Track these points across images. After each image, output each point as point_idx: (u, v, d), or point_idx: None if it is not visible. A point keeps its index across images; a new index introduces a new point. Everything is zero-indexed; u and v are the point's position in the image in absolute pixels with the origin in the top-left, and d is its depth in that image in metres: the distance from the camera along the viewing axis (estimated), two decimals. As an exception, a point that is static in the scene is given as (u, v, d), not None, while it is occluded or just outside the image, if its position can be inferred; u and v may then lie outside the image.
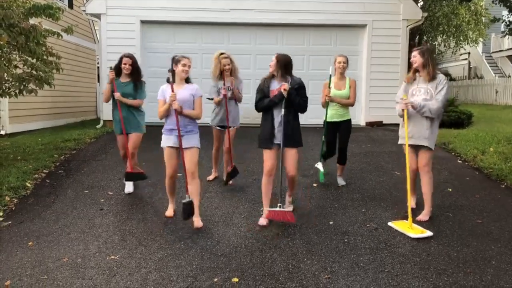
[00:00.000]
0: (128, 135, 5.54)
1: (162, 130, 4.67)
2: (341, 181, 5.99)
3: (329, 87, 5.77)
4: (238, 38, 10.59)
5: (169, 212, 4.87)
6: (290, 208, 4.81)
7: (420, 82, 4.74)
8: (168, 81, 4.59)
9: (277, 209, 4.52)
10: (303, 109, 4.65)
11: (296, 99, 4.57)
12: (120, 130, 5.56)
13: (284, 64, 4.63)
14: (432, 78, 4.65)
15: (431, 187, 4.76)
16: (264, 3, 10.40)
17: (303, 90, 4.65)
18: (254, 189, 5.72)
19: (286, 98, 4.51)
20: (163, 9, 10.35)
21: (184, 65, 4.59)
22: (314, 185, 5.93)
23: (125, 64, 5.46)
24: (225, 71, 5.74)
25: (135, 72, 5.54)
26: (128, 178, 5.59)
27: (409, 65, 5.39)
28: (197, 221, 4.51)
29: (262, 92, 4.65)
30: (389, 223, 4.61)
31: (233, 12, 10.41)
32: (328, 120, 5.87)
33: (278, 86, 4.61)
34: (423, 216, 4.74)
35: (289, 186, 4.89)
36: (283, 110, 4.54)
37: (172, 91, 4.45)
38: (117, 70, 5.50)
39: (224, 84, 5.76)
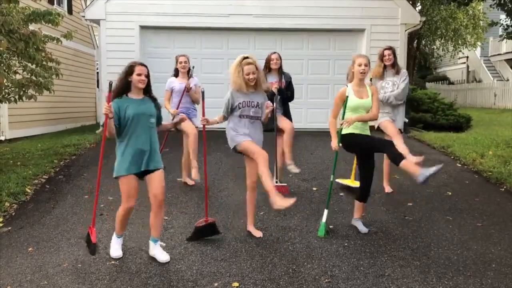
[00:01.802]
0: (147, 176, 3.90)
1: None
2: (362, 227, 4.52)
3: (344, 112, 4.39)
4: (237, 43, 10.62)
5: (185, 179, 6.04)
6: (296, 170, 5.68)
7: (388, 76, 5.62)
8: (175, 75, 5.97)
9: (276, 184, 5.39)
10: (291, 99, 5.89)
11: (285, 93, 5.68)
12: (137, 168, 3.81)
13: (281, 61, 5.74)
14: (398, 73, 5.62)
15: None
16: (263, 8, 10.44)
17: (292, 83, 5.83)
18: (254, 193, 5.72)
19: (278, 94, 5.54)
20: (163, 15, 10.37)
21: (180, 62, 5.87)
22: (314, 189, 5.93)
23: (139, 74, 3.78)
24: (249, 82, 4.21)
25: (150, 87, 3.94)
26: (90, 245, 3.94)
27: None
28: (194, 173, 5.63)
29: None
30: (337, 180, 5.81)
31: (232, 17, 10.44)
32: (343, 132, 4.43)
33: (273, 80, 5.60)
34: (418, 158, 4.77)
35: (286, 143, 5.68)
36: (275, 104, 5.46)
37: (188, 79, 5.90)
38: (126, 85, 3.82)
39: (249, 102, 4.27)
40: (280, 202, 3.91)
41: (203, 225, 4.35)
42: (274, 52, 5.75)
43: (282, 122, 5.66)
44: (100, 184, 6.09)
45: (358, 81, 4.45)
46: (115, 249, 4.00)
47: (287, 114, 5.83)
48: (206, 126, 4.30)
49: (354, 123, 4.34)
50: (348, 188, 5.80)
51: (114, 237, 4.07)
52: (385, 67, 5.65)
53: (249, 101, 4.25)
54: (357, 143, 4.39)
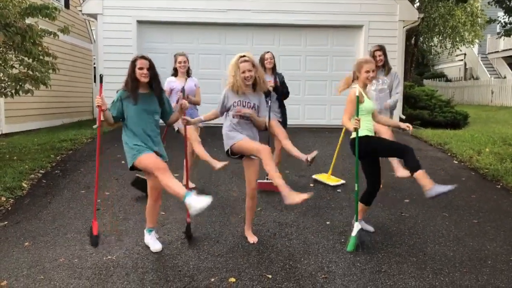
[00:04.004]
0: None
1: None
2: (369, 227, 4.45)
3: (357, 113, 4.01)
4: (235, 39, 10.59)
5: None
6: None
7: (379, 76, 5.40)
8: (173, 75, 5.70)
9: (265, 180, 5.46)
10: (287, 96, 5.84)
11: (280, 89, 5.64)
12: (150, 148, 3.81)
13: (274, 60, 5.74)
14: (388, 72, 5.57)
15: None
16: (261, 3, 10.40)
17: (285, 82, 5.80)
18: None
19: (273, 91, 5.54)
20: (160, 10, 10.33)
21: (179, 62, 5.62)
22: (311, 185, 5.93)
23: (141, 68, 3.76)
24: (245, 80, 3.98)
25: (156, 81, 3.88)
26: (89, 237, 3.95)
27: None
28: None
29: None
30: (313, 176, 6.12)
31: (229, 13, 10.41)
32: (360, 134, 4.07)
33: (269, 79, 5.50)
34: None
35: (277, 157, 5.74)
36: (270, 103, 5.50)
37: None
38: (134, 80, 3.81)
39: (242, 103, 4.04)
40: (293, 197, 3.70)
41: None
42: (268, 52, 5.74)
43: (276, 129, 5.58)
44: (98, 179, 6.10)
45: (363, 86, 4.17)
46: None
47: (283, 117, 5.80)
48: (188, 125, 4.35)
49: (366, 122, 4.09)
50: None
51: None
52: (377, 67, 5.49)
53: (245, 101, 4.02)
54: (374, 148, 4.10)
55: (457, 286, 3.41)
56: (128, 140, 3.84)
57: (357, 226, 4.05)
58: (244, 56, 4.00)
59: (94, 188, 4.10)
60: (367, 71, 4.09)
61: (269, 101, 5.53)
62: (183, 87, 5.50)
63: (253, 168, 4.13)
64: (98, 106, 3.72)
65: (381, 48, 5.52)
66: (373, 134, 4.20)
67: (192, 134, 5.49)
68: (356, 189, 4.08)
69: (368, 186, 4.20)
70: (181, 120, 4.20)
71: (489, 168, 6.58)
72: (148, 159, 3.73)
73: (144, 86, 3.86)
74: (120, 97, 3.84)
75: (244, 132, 4.06)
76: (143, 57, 3.83)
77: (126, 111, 3.83)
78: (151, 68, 3.82)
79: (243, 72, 3.94)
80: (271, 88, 5.51)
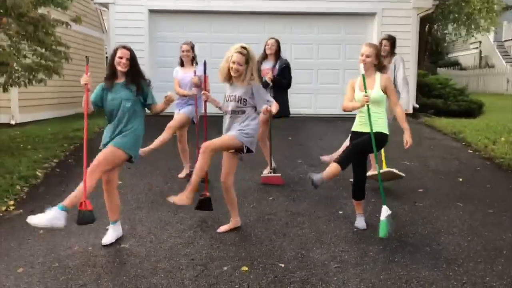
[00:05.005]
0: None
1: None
2: (360, 223, 4.29)
3: (365, 89, 4.06)
4: (247, 27, 10.51)
5: (182, 174, 5.73)
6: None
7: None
8: (180, 64, 5.74)
9: (268, 175, 5.51)
10: (287, 87, 5.65)
11: (278, 81, 5.49)
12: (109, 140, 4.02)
13: (278, 46, 5.61)
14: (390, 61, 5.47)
15: None
16: (273, -9, 10.32)
17: (288, 69, 5.61)
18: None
19: (272, 83, 5.47)
20: (171, -2, 10.30)
21: (183, 50, 5.63)
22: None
23: (120, 57, 3.81)
24: (230, 70, 3.92)
25: (134, 70, 3.88)
26: (81, 219, 3.78)
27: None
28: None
29: None
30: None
31: (241, 1, 10.33)
32: (353, 129, 4.31)
33: (268, 66, 5.55)
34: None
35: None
36: (268, 93, 5.35)
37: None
38: (111, 69, 3.91)
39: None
40: (178, 198, 3.88)
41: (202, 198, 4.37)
42: (272, 38, 5.68)
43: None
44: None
45: (364, 72, 4.11)
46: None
47: (282, 103, 5.51)
48: (207, 101, 4.26)
49: (359, 118, 4.19)
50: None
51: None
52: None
53: (230, 95, 4.01)
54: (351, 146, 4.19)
55: (471, 276, 3.38)
56: (105, 129, 4.10)
57: (385, 210, 3.89)
58: (244, 48, 3.91)
59: (84, 165, 4.01)
60: (361, 54, 4.14)
61: (267, 91, 5.39)
62: (195, 71, 5.46)
63: (227, 161, 4.08)
64: (85, 84, 3.75)
65: (389, 39, 5.49)
66: (365, 129, 4.09)
67: (174, 122, 5.55)
68: (378, 170, 4.23)
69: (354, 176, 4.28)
70: (202, 96, 4.28)
71: (505, 157, 6.49)
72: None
73: (122, 76, 3.90)
74: (102, 86, 3.97)
75: (229, 131, 4.01)
76: (124, 47, 3.88)
77: (103, 98, 3.93)
78: (132, 59, 3.86)
79: (233, 62, 3.89)
80: (269, 80, 5.43)
